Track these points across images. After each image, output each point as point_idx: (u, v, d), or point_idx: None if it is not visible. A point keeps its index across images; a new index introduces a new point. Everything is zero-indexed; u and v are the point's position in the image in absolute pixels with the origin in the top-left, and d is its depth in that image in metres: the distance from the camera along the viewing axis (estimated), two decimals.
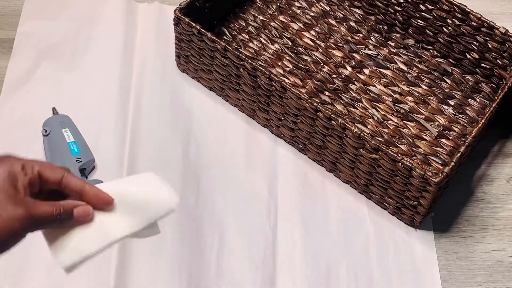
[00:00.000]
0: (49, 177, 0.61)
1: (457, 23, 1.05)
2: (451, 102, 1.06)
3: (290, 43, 1.10)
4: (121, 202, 0.64)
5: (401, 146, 1.00)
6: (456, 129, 1.03)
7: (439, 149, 1.01)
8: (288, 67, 1.07)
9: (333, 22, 1.14)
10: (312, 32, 1.12)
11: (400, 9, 1.10)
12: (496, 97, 0.95)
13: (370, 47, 1.11)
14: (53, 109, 1.00)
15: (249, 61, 0.94)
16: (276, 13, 1.14)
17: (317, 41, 1.11)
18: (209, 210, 0.95)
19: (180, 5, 0.99)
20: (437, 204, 0.96)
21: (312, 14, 1.15)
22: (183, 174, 0.97)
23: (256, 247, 0.92)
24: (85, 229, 0.62)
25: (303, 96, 0.91)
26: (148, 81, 1.06)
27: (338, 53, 1.10)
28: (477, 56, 1.06)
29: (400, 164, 0.87)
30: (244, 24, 1.12)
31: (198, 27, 0.97)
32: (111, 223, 0.63)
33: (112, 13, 1.13)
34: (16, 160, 0.60)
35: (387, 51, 1.11)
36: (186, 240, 0.91)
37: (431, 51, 1.11)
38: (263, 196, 0.97)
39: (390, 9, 1.11)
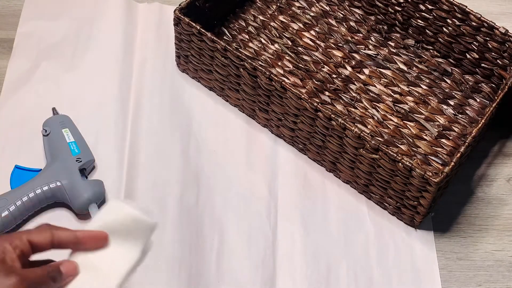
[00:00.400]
0: (40, 242, 0.62)
1: (457, 23, 1.05)
2: (451, 102, 1.06)
3: (290, 43, 1.10)
4: (111, 235, 0.66)
5: (401, 146, 1.00)
6: (456, 129, 1.03)
7: (439, 149, 1.01)
8: (288, 67, 1.07)
9: (333, 22, 1.14)
10: (312, 32, 1.12)
11: (400, 9, 1.10)
12: (496, 97, 0.95)
13: (370, 47, 1.11)
14: (53, 109, 1.00)
15: (249, 61, 0.94)
16: (276, 13, 1.14)
17: (317, 41, 1.11)
18: (209, 210, 0.95)
19: (180, 5, 0.99)
20: (437, 204, 0.96)
21: (312, 14, 1.15)
22: (183, 174, 0.97)
23: (256, 247, 0.92)
24: (95, 278, 0.64)
25: (303, 96, 0.91)
26: (148, 81, 1.06)
27: (338, 53, 1.10)
28: (477, 56, 1.06)
29: (400, 164, 0.87)
30: (244, 24, 1.12)
31: (198, 27, 0.97)
32: (112, 262, 0.65)
33: (112, 13, 1.13)
34: (2, 239, 0.61)
35: (387, 51, 1.11)
36: (186, 240, 0.91)
37: (431, 51, 1.11)
38: (263, 196, 0.97)
39: (390, 9, 1.11)
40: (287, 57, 1.09)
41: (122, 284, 0.65)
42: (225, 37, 1.10)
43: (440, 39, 1.09)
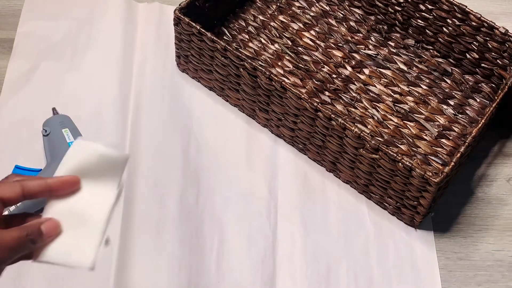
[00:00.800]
0: (9, 196, 0.60)
1: (457, 23, 1.05)
2: (451, 102, 1.06)
3: (290, 43, 1.10)
4: (82, 177, 0.63)
5: (401, 146, 1.00)
6: (456, 129, 1.03)
7: (439, 149, 1.01)
8: (288, 67, 1.07)
9: (333, 22, 1.14)
10: (312, 32, 1.12)
11: (400, 9, 1.10)
12: (496, 97, 0.95)
13: (370, 47, 1.11)
14: (53, 109, 1.00)
15: (249, 61, 0.94)
16: (276, 13, 1.14)
17: (317, 41, 1.11)
18: (209, 210, 0.95)
19: (180, 5, 0.99)
20: (437, 204, 0.96)
21: (312, 14, 1.15)
22: (183, 174, 0.97)
23: (256, 247, 0.92)
24: (78, 225, 0.62)
25: (303, 96, 0.91)
26: (148, 81, 1.06)
27: (338, 53, 1.10)
28: (477, 56, 1.06)
29: (400, 164, 0.87)
30: (244, 24, 1.12)
31: (198, 27, 0.97)
32: (91, 205, 0.62)
33: (112, 13, 1.13)
34: None
35: (387, 51, 1.11)
36: (186, 240, 0.91)
37: (431, 51, 1.11)
38: (263, 196, 0.97)
39: (390, 9, 1.11)
40: (287, 57, 1.09)
41: (106, 226, 0.62)
42: (225, 37, 1.10)
43: (440, 39, 1.09)
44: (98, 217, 0.62)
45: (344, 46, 1.11)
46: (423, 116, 1.04)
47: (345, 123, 0.89)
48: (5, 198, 0.59)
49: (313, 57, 1.09)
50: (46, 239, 0.60)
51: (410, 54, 1.11)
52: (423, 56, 1.11)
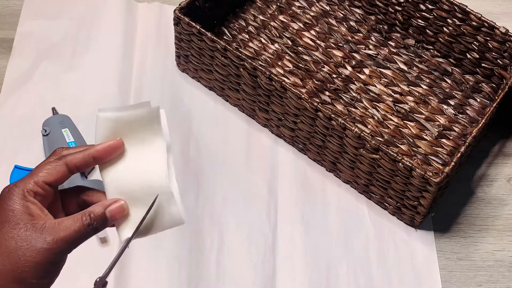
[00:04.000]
0: (56, 178, 0.58)
1: (458, 23, 1.05)
2: (452, 102, 1.06)
3: (290, 43, 1.10)
4: (125, 137, 0.60)
5: (401, 146, 1.00)
6: (456, 129, 1.03)
7: (439, 149, 1.01)
8: (288, 67, 1.07)
9: (333, 22, 1.14)
10: (312, 32, 1.12)
11: (400, 9, 1.10)
12: (496, 97, 0.95)
13: (370, 47, 1.11)
14: (53, 109, 1.00)
15: (249, 61, 0.94)
16: (276, 13, 1.14)
17: (317, 41, 1.11)
18: (209, 210, 0.95)
19: (180, 5, 0.99)
20: (437, 204, 0.96)
21: (312, 14, 1.15)
22: (183, 174, 0.97)
23: (256, 247, 0.92)
24: (143, 191, 0.59)
25: (303, 96, 0.91)
26: (148, 81, 1.06)
27: (338, 53, 1.10)
28: (477, 56, 1.06)
29: (400, 164, 0.87)
30: (244, 24, 1.12)
31: (198, 27, 0.96)
32: (147, 159, 0.60)
33: (112, 13, 1.13)
34: (15, 186, 0.57)
35: (387, 51, 1.11)
36: (186, 240, 0.91)
37: (432, 51, 1.11)
38: (263, 196, 0.97)
39: (390, 9, 1.11)
40: (287, 57, 1.08)
41: (172, 177, 0.60)
42: (225, 37, 1.10)
43: (440, 39, 1.09)
44: (159, 167, 0.59)
45: (344, 46, 1.11)
46: (423, 116, 1.04)
47: (345, 123, 0.89)
48: (52, 181, 0.57)
49: (313, 57, 1.09)
50: (110, 224, 0.59)
51: (410, 54, 1.11)
52: (424, 56, 1.11)
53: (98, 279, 0.58)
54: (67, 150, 0.59)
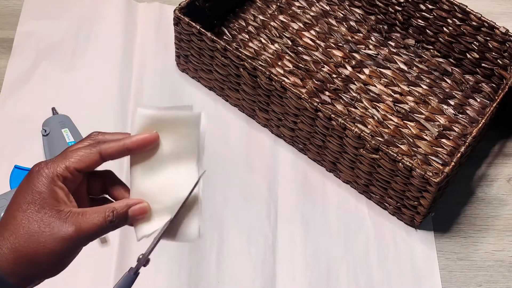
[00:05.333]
0: (89, 165, 0.57)
1: (458, 23, 1.05)
2: (452, 102, 1.06)
3: (290, 43, 1.10)
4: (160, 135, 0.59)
5: (401, 146, 1.00)
6: (456, 129, 1.03)
7: (440, 149, 1.01)
8: (288, 67, 1.07)
9: (333, 22, 1.14)
10: (312, 32, 1.12)
11: (400, 8, 1.10)
12: (496, 97, 0.95)
13: (370, 47, 1.11)
14: (53, 109, 1.00)
15: (249, 61, 0.94)
16: (276, 12, 1.14)
17: (317, 41, 1.11)
18: (209, 210, 0.95)
19: (180, 4, 0.99)
20: (437, 204, 0.96)
21: (312, 13, 1.14)
22: None
23: (256, 247, 0.92)
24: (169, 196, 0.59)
25: (303, 96, 0.91)
26: (148, 81, 1.06)
27: (338, 53, 1.10)
28: (477, 56, 1.06)
29: (400, 164, 0.87)
30: (244, 24, 1.12)
31: (198, 27, 0.96)
32: (178, 154, 0.59)
33: (112, 13, 1.13)
34: (46, 168, 0.56)
35: (387, 51, 1.11)
36: None
37: (432, 51, 1.11)
38: (263, 196, 0.97)
39: (390, 9, 1.11)
40: (287, 57, 1.08)
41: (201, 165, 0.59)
42: (225, 37, 1.10)
43: (440, 39, 1.09)
44: (189, 160, 0.59)
45: (344, 46, 1.11)
46: (423, 116, 1.04)
47: (345, 123, 0.89)
48: (83, 168, 0.57)
49: (313, 57, 1.09)
50: (129, 223, 0.59)
51: (410, 54, 1.11)
52: (424, 56, 1.11)
53: (141, 256, 0.60)
54: (102, 135, 0.59)
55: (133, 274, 0.59)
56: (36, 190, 0.55)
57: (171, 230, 0.60)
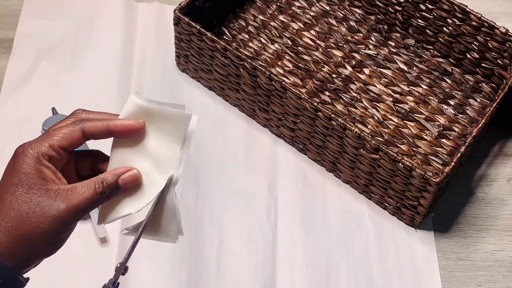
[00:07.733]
0: (71, 143, 0.57)
1: (458, 23, 1.05)
2: (452, 102, 1.06)
3: (290, 43, 1.10)
4: (148, 125, 0.59)
5: (401, 146, 1.00)
6: (456, 129, 1.03)
7: (440, 149, 1.01)
8: (288, 67, 1.07)
9: (333, 22, 1.14)
10: (312, 31, 1.12)
11: (400, 8, 1.10)
12: (496, 97, 0.95)
13: (370, 46, 1.11)
14: (53, 109, 1.00)
15: (249, 61, 0.94)
16: (276, 12, 1.14)
17: (317, 41, 1.11)
18: (209, 210, 0.95)
19: (180, 4, 0.99)
20: (437, 204, 0.96)
21: (312, 13, 1.14)
22: (183, 174, 0.97)
23: (256, 247, 0.92)
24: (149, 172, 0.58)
25: (303, 96, 0.91)
26: (148, 81, 1.06)
27: (338, 53, 1.10)
28: (477, 56, 1.06)
29: (400, 164, 0.87)
30: (244, 24, 1.12)
31: (198, 27, 0.96)
32: (159, 152, 0.59)
33: (112, 13, 1.13)
34: (30, 148, 0.56)
35: (387, 50, 1.11)
36: (186, 240, 0.91)
37: (431, 51, 1.11)
38: (263, 196, 0.97)
39: (390, 9, 1.11)
40: (287, 57, 1.08)
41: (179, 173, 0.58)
42: (225, 37, 1.10)
43: (440, 39, 1.09)
44: (169, 162, 0.58)
45: (344, 46, 1.11)
46: (423, 116, 1.04)
47: (345, 123, 0.89)
48: (67, 146, 0.57)
49: (313, 57, 1.09)
50: (121, 192, 0.58)
51: (410, 54, 1.11)
52: (423, 56, 1.11)
53: (118, 265, 0.59)
54: (86, 113, 0.59)
55: (112, 285, 0.58)
56: (22, 171, 0.55)
57: (148, 232, 0.59)
